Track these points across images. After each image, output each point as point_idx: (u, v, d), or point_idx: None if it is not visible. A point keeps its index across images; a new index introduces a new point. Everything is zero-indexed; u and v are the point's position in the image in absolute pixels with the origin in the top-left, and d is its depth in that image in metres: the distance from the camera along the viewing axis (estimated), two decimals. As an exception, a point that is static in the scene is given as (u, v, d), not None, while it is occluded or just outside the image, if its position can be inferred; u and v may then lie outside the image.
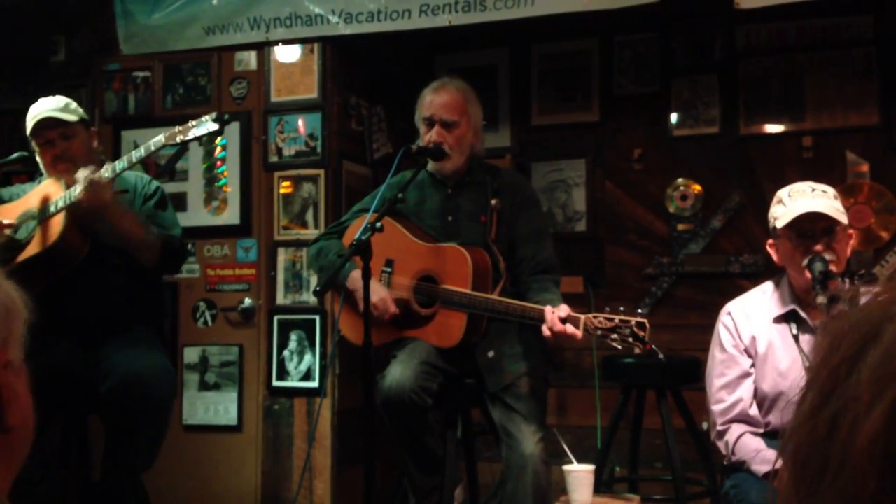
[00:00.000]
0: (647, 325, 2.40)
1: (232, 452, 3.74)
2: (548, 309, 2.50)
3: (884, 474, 0.48)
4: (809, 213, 2.26)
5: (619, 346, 2.43)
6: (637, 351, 2.45)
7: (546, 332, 2.49)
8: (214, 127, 2.65)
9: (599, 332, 2.43)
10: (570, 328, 2.45)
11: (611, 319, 2.42)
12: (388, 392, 2.64)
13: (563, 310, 2.49)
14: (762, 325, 2.40)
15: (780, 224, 2.31)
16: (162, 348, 2.90)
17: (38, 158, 2.92)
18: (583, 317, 2.47)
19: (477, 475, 3.07)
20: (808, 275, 2.27)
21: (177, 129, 2.71)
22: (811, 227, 2.27)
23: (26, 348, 0.87)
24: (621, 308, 2.48)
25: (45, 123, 2.82)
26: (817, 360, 0.55)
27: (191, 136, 2.67)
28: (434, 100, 2.87)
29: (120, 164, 2.74)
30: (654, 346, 2.41)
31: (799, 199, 2.30)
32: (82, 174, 2.67)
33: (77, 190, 2.68)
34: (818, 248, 2.26)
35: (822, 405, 0.53)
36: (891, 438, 0.49)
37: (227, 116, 2.73)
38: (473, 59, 4.40)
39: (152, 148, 2.74)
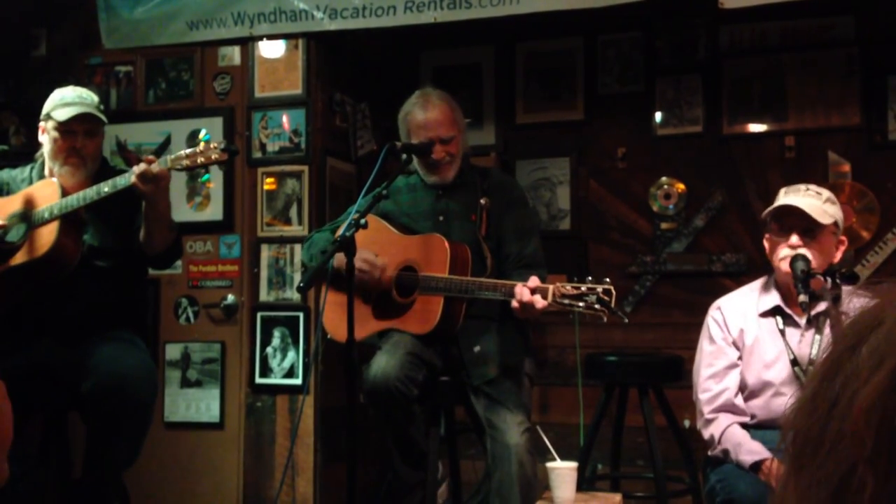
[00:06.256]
0: (613, 291, 2.41)
1: (214, 450, 3.71)
2: (518, 284, 2.52)
3: (879, 437, 0.49)
4: (787, 206, 2.34)
5: (586, 313, 2.44)
6: (604, 319, 2.45)
7: (514, 304, 2.51)
8: (223, 157, 2.65)
9: (567, 301, 2.44)
10: (537, 298, 2.47)
11: (577, 287, 2.44)
12: (373, 381, 2.63)
13: (533, 281, 2.51)
14: (750, 320, 2.47)
15: (765, 214, 2.41)
16: (144, 347, 2.88)
17: (45, 142, 2.84)
18: (551, 287, 2.49)
19: (460, 473, 3.07)
20: (783, 268, 2.35)
21: (183, 153, 2.68)
22: (792, 222, 2.35)
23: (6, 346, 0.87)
24: (606, 279, 2.49)
25: (82, 118, 2.77)
26: (822, 354, 0.56)
27: (199, 161, 2.66)
28: (427, 119, 2.83)
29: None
30: (620, 312, 2.43)
31: (791, 195, 2.39)
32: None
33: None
34: (793, 240, 2.33)
35: (824, 389, 0.54)
36: (888, 403, 0.49)
37: (235, 148, 2.72)
38: (458, 57, 4.40)
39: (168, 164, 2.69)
